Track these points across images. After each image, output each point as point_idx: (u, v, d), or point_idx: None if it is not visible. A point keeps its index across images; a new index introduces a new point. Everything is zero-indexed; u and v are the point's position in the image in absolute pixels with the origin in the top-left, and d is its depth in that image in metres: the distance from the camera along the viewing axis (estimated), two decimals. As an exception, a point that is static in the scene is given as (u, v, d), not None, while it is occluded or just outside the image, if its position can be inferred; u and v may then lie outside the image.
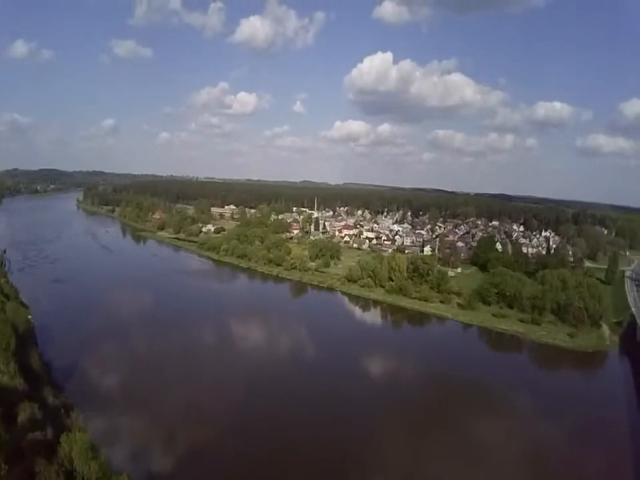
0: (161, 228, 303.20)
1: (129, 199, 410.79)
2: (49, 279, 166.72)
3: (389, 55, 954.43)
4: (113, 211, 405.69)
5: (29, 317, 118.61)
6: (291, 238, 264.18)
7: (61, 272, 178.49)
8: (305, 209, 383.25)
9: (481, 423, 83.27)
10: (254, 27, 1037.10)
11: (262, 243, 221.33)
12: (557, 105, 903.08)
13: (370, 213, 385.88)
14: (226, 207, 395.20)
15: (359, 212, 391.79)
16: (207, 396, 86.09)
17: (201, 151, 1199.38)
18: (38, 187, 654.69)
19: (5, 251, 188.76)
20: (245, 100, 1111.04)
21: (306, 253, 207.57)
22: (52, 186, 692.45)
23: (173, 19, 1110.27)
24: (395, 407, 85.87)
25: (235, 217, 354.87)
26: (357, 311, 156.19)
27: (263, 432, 74.37)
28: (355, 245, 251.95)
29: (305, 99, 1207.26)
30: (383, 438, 74.71)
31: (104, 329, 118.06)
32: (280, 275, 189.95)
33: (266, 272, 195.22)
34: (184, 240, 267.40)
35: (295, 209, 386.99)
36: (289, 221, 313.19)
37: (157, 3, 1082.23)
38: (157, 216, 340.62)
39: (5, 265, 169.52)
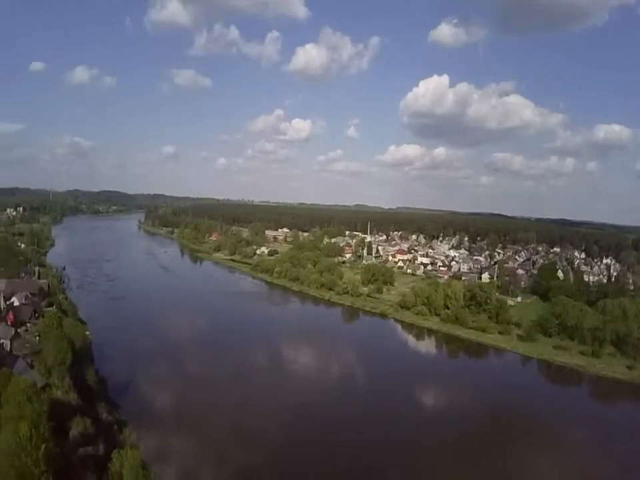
0: (217, 249, 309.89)
1: (188, 221, 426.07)
2: (107, 297, 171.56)
3: (445, 78, 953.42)
4: (172, 232, 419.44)
5: (87, 332, 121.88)
6: (344, 262, 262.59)
7: (119, 290, 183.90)
8: (357, 233, 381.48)
9: (538, 456, 77.50)
10: (309, 55, 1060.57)
11: (314, 266, 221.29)
12: (616, 127, 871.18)
13: (425, 238, 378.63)
14: (279, 229, 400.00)
15: (413, 236, 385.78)
16: (258, 417, 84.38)
17: (257, 176, 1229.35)
18: (100, 208, 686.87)
19: (64, 268, 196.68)
20: (300, 126, 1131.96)
21: (358, 277, 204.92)
22: (114, 207, 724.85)
23: (232, 49, 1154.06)
24: (448, 438, 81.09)
25: (288, 239, 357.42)
26: (410, 339, 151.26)
27: (312, 455, 72.82)
28: (408, 271, 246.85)
29: (358, 123, 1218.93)
30: (434, 468, 70.90)
31: (159, 348, 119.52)
32: (332, 300, 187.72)
33: (318, 296, 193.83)
34: (239, 262, 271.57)
35: (347, 232, 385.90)
36: (341, 244, 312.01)
37: (216, 33, 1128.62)
38: (213, 238, 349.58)
39: (64, 282, 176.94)
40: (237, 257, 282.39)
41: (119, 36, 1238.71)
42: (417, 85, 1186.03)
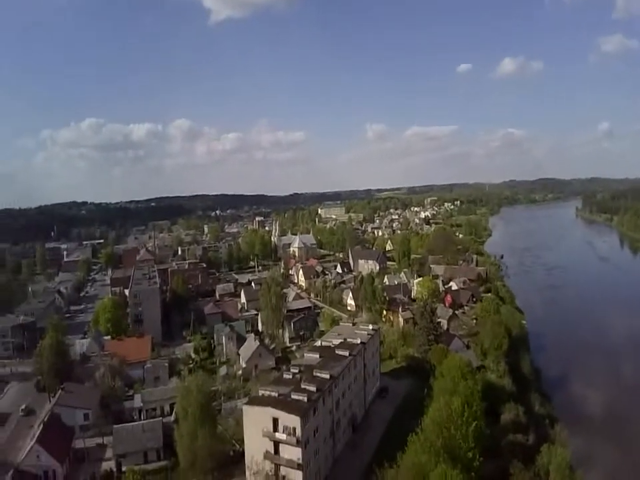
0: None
1: (627, 206, 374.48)
2: (544, 285, 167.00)
3: None
4: (610, 219, 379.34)
5: (523, 322, 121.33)
6: None
7: (556, 279, 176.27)
8: None
9: None
10: None
11: None
12: None
13: None
14: None
15: None
16: None
17: None
18: (536, 197, 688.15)
19: (502, 257, 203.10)
20: None
21: None
22: (550, 195, 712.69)
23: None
24: None
25: None
26: None
27: None
28: None
29: None
30: None
31: (596, 345, 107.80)
32: None
33: None
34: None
35: None
36: None
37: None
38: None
39: (501, 270, 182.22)
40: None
41: (539, 18, 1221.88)
42: None
